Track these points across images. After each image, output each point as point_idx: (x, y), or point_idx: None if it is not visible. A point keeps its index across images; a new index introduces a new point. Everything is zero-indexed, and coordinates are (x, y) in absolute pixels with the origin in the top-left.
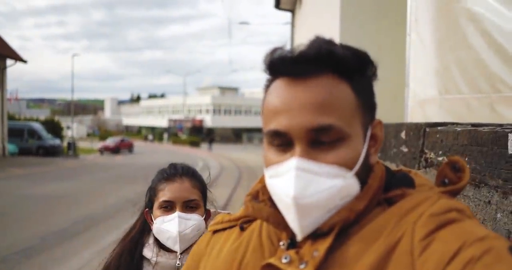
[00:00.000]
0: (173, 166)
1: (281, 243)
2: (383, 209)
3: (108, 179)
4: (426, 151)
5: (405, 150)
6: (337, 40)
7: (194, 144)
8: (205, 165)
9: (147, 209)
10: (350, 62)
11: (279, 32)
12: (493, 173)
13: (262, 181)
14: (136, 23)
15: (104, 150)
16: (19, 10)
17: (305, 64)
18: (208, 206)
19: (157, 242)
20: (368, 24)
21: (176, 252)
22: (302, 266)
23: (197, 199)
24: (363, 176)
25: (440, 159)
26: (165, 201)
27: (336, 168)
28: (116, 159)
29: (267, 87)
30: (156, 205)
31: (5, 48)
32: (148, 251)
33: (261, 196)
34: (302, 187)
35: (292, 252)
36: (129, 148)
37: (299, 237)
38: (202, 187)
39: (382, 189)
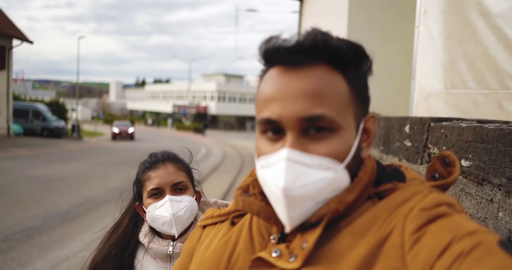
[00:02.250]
0: (153, 155)
1: (271, 237)
2: (373, 203)
3: (111, 162)
4: (430, 145)
5: (408, 144)
6: (345, 29)
7: (198, 130)
8: (208, 152)
9: (137, 203)
10: (345, 54)
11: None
12: (497, 171)
13: (252, 174)
14: (145, 7)
15: (118, 136)
16: None
17: (300, 54)
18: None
19: (151, 229)
20: (377, 14)
21: (169, 239)
22: (291, 260)
23: (184, 180)
24: (354, 169)
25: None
26: (153, 189)
27: (328, 160)
28: (119, 143)
29: (262, 76)
30: (145, 195)
31: (11, 28)
32: (143, 236)
33: (252, 190)
34: (292, 178)
35: (282, 246)
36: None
37: (287, 228)
38: (186, 169)
39: (373, 183)
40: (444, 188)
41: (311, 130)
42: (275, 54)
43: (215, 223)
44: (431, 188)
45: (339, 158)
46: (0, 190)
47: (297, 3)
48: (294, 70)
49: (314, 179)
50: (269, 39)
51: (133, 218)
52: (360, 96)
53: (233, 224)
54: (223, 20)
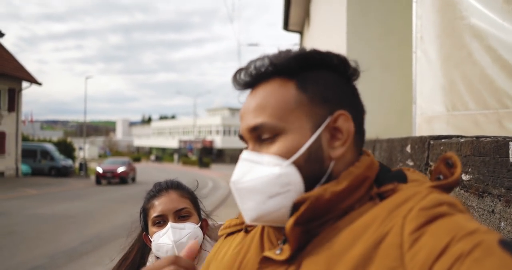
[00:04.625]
0: (157, 184)
1: (279, 241)
2: (374, 203)
3: (117, 199)
4: (431, 163)
5: (410, 163)
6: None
7: (204, 164)
8: (215, 186)
9: (144, 233)
10: (289, 65)
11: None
12: (495, 182)
13: None
14: (151, 46)
15: (102, 178)
16: (40, 35)
17: (253, 77)
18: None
19: (158, 259)
20: (375, 42)
21: None
22: (277, 252)
23: (187, 207)
24: (315, 168)
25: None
26: (156, 216)
27: (275, 157)
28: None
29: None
30: (150, 223)
31: (21, 71)
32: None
33: None
34: (242, 173)
35: (285, 246)
36: (134, 175)
37: (246, 221)
38: (191, 196)
39: (370, 182)
40: (446, 189)
41: (262, 138)
42: (241, 83)
43: (232, 233)
44: (431, 188)
45: (287, 156)
46: (8, 229)
47: (298, 36)
48: (254, 91)
49: (261, 174)
50: (236, 71)
51: (141, 249)
52: (318, 97)
53: (246, 232)
54: (227, 55)
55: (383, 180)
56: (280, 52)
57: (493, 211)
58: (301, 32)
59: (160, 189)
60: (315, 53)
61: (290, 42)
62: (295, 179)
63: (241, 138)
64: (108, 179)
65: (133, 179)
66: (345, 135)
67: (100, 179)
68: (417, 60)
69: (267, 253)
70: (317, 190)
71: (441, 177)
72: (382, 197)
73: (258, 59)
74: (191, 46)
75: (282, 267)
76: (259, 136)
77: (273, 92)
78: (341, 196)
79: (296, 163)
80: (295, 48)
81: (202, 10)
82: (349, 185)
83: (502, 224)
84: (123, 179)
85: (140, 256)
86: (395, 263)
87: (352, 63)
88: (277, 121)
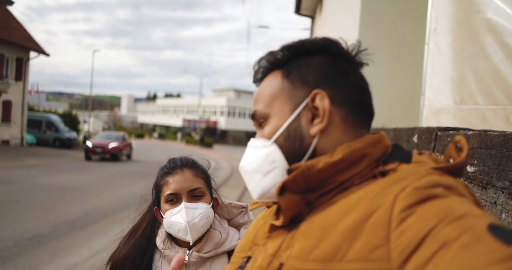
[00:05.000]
0: (172, 160)
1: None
2: (375, 181)
3: (120, 173)
4: (437, 154)
5: None
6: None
7: (207, 144)
8: (217, 166)
9: (155, 207)
10: (276, 57)
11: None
12: (500, 174)
13: None
14: (160, 23)
15: (92, 153)
16: (48, 6)
17: (257, 74)
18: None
19: (169, 235)
20: (387, 31)
21: (185, 247)
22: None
23: (201, 187)
24: (296, 145)
25: (450, 161)
26: (170, 194)
27: (261, 140)
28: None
29: None
30: (162, 200)
31: (29, 41)
32: (159, 241)
33: None
34: (246, 158)
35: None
36: (129, 152)
37: (254, 198)
38: (204, 175)
39: (373, 159)
40: (451, 172)
41: (259, 124)
42: (253, 79)
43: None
44: (431, 170)
45: (270, 137)
46: (11, 197)
47: (309, 21)
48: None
49: (255, 156)
50: (253, 66)
51: (151, 222)
52: (299, 80)
53: (268, 207)
54: (236, 37)
55: (388, 159)
56: (268, 53)
57: (495, 202)
58: (312, 17)
59: (175, 166)
60: (300, 42)
61: (301, 26)
62: (278, 156)
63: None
64: (98, 154)
65: (129, 156)
66: (321, 112)
67: (89, 154)
68: (429, 51)
69: (273, 221)
70: (310, 161)
71: (451, 160)
72: (384, 175)
73: (264, 56)
74: (201, 25)
75: (284, 233)
76: (257, 122)
77: (266, 85)
78: (336, 168)
79: (277, 142)
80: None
81: None
82: (344, 158)
83: (503, 215)
84: (114, 155)
85: (150, 229)
86: (381, 241)
87: (345, 45)
88: (264, 108)
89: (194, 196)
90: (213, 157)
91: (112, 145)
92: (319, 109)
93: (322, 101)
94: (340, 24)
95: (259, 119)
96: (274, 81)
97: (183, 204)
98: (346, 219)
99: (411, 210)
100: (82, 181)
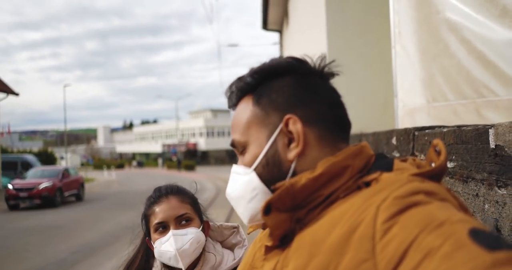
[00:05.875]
0: (157, 189)
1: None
2: (359, 192)
3: (104, 207)
4: (417, 153)
5: (397, 155)
6: (325, 54)
7: (189, 167)
8: (201, 188)
9: (147, 238)
10: (249, 83)
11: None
12: (478, 167)
13: None
14: (129, 50)
15: (13, 199)
16: (14, 45)
17: (229, 99)
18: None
19: (164, 264)
20: (355, 39)
21: None
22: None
23: (188, 212)
24: (276, 172)
25: (432, 165)
26: (157, 223)
27: (243, 168)
28: (112, 186)
29: None
30: (152, 229)
31: None
32: None
33: None
34: (231, 185)
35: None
36: (77, 191)
37: (244, 223)
38: (191, 200)
39: (355, 171)
40: (432, 176)
41: (240, 152)
42: (228, 106)
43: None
44: (411, 176)
45: (250, 165)
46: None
47: (277, 35)
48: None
49: (239, 183)
50: (225, 91)
51: (145, 254)
52: (270, 106)
53: (263, 228)
54: (207, 57)
55: (371, 169)
56: (238, 79)
57: (477, 194)
58: (280, 31)
59: (160, 195)
60: (266, 65)
61: (269, 41)
62: (257, 183)
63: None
64: (23, 200)
65: (78, 197)
66: (296, 136)
67: (10, 200)
68: (396, 55)
69: (266, 242)
70: (293, 178)
71: (433, 164)
72: (368, 185)
73: (234, 82)
74: (170, 49)
75: (278, 254)
76: (238, 150)
77: (239, 112)
78: (319, 182)
79: (256, 170)
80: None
81: (180, 13)
82: (325, 172)
83: (486, 206)
84: (47, 199)
85: (145, 260)
86: (367, 255)
87: (311, 61)
88: (241, 137)
89: (182, 221)
90: (196, 179)
91: (44, 185)
92: (293, 134)
93: (295, 125)
94: (308, 36)
95: (239, 148)
96: (246, 109)
97: (171, 232)
98: (333, 234)
99: (393, 221)
100: (67, 218)
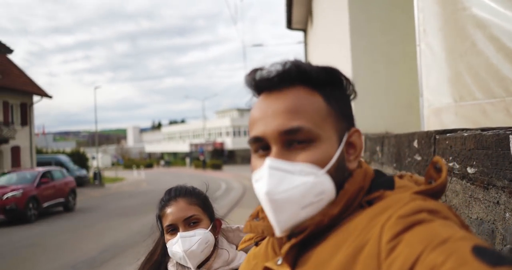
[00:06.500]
0: (168, 191)
1: (281, 250)
2: (363, 210)
3: (133, 206)
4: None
5: (418, 158)
6: (348, 55)
7: (216, 166)
8: (228, 187)
9: (163, 236)
10: (317, 75)
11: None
12: (499, 174)
13: None
14: (158, 52)
15: None
16: (48, 49)
17: (279, 79)
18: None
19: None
20: (378, 37)
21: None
22: (278, 262)
23: (196, 213)
24: (339, 179)
25: (450, 164)
26: (168, 226)
27: (308, 166)
28: (141, 185)
29: (252, 104)
30: (164, 231)
31: (31, 85)
32: (171, 266)
33: (261, 214)
34: (275, 183)
35: (284, 257)
36: (65, 199)
37: (277, 233)
38: (200, 201)
39: (364, 192)
40: (432, 194)
41: (293, 143)
42: (259, 83)
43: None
44: (414, 195)
45: (320, 164)
46: (28, 241)
47: (302, 34)
48: (275, 94)
49: (296, 184)
50: (252, 71)
51: (163, 249)
52: (341, 113)
53: (256, 245)
54: (233, 56)
55: (372, 187)
56: (296, 61)
57: (498, 202)
58: (305, 30)
59: (169, 197)
60: (338, 71)
61: (294, 39)
62: (329, 187)
63: (257, 140)
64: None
65: (67, 207)
66: (358, 149)
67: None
68: (421, 53)
69: (268, 264)
70: (317, 217)
71: (433, 181)
72: (370, 203)
73: (279, 63)
74: (197, 49)
75: None
76: (291, 140)
77: (306, 99)
78: (337, 216)
79: (329, 172)
80: (299, 56)
81: (206, 13)
82: (346, 204)
83: (507, 214)
84: (14, 213)
85: (162, 255)
86: None
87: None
88: (314, 127)
89: (190, 223)
90: (223, 178)
91: (11, 194)
92: (355, 146)
93: (360, 139)
94: (331, 34)
95: (300, 137)
96: (315, 100)
97: (179, 234)
98: (339, 255)
99: (398, 239)
100: (97, 217)
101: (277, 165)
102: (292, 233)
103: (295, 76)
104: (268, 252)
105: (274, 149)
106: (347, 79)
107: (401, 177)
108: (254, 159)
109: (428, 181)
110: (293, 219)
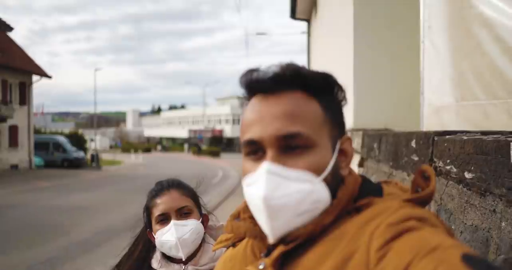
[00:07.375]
0: (159, 183)
1: (262, 254)
2: (351, 217)
3: (129, 190)
4: (435, 159)
5: (415, 158)
6: (351, 48)
7: (215, 153)
8: (225, 175)
9: (148, 230)
10: (316, 81)
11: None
12: (497, 181)
13: (244, 202)
14: (162, 36)
15: None
16: (50, 27)
17: (277, 82)
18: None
19: (163, 255)
20: (382, 32)
21: (180, 263)
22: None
23: (188, 205)
24: (334, 186)
25: (448, 167)
26: (159, 215)
27: (305, 173)
28: (139, 169)
29: (245, 105)
30: (153, 221)
31: (31, 65)
32: (155, 262)
33: (242, 215)
34: (272, 189)
35: (267, 259)
36: None
37: (270, 239)
38: (191, 194)
39: (353, 199)
40: (421, 202)
41: (289, 148)
42: (255, 85)
43: (226, 247)
44: (402, 202)
45: (317, 172)
46: (23, 221)
47: (305, 24)
48: (272, 96)
49: (292, 190)
50: (248, 72)
51: (146, 244)
52: (335, 120)
53: (233, 246)
54: (237, 44)
55: (360, 194)
56: (299, 66)
57: (494, 210)
58: (308, 21)
59: (161, 188)
60: (333, 77)
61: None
62: (325, 196)
63: (251, 143)
64: None
65: None
66: (349, 157)
67: None
68: (424, 50)
69: (250, 268)
70: (309, 226)
71: (420, 189)
72: (359, 210)
73: (276, 66)
74: (201, 35)
75: None
76: (288, 145)
77: (304, 104)
78: (329, 224)
79: (325, 180)
80: (298, 64)
81: None
82: (339, 214)
83: (503, 224)
84: None
85: (145, 251)
86: None
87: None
88: (312, 133)
89: (182, 214)
90: (221, 166)
91: None
92: (346, 154)
93: (351, 147)
94: (336, 27)
95: (298, 142)
96: (313, 107)
97: (172, 222)
98: (327, 263)
99: (387, 248)
100: (93, 200)
101: (275, 170)
102: (282, 239)
103: (293, 81)
104: (247, 255)
105: (270, 153)
106: (340, 86)
107: (386, 183)
108: (246, 162)
109: (415, 189)
110: (288, 226)
